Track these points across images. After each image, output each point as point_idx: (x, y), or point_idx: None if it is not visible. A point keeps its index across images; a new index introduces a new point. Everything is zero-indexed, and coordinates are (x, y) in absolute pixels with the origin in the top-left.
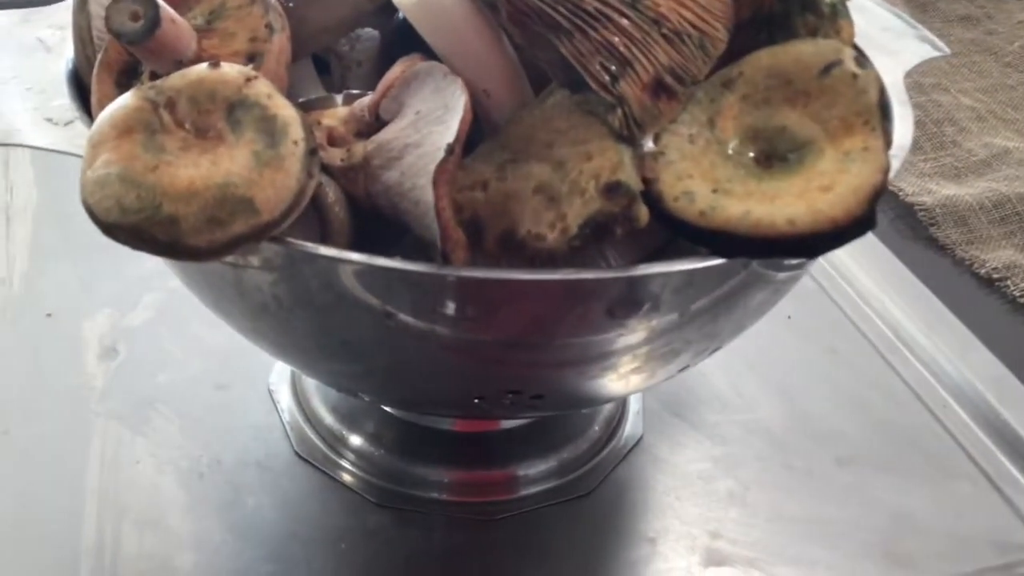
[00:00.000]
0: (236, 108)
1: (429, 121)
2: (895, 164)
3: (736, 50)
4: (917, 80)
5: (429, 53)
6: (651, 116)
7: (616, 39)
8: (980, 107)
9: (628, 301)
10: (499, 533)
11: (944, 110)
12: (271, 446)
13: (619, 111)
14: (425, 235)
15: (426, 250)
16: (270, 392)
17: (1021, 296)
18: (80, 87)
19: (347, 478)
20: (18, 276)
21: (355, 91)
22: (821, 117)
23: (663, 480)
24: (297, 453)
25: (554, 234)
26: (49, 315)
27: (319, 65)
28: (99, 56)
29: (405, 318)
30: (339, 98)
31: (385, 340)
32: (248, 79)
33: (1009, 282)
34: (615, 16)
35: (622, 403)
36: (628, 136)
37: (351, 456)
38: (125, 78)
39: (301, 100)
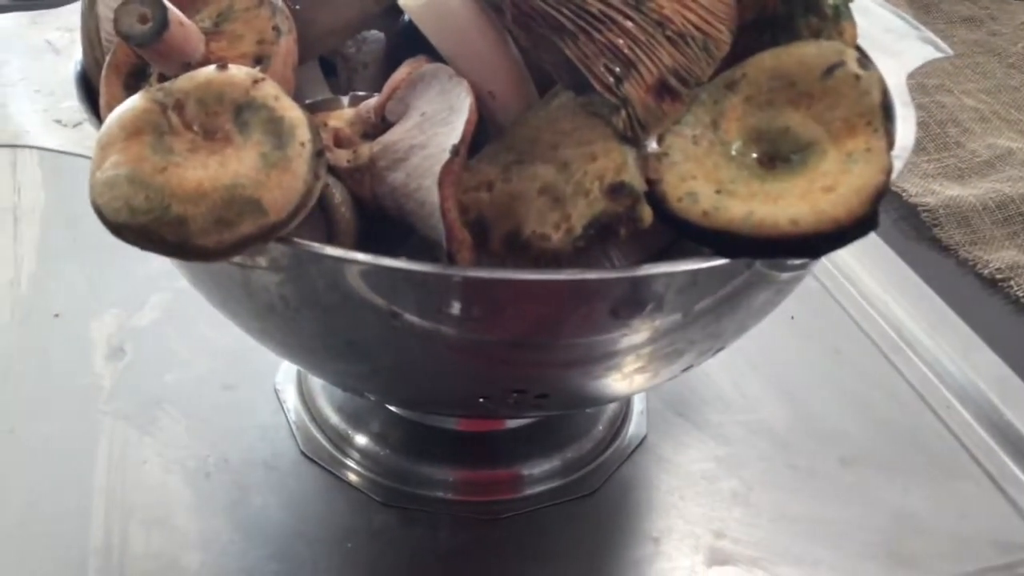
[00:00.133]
0: (244, 110)
1: (435, 122)
2: (898, 165)
3: (739, 52)
4: (920, 81)
5: (435, 55)
6: (655, 117)
7: (620, 41)
8: (983, 108)
9: (632, 301)
10: (503, 532)
11: (947, 111)
12: (277, 446)
13: (623, 112)
14: (430, 235)
15: (431, 250)
16: (276, 392)
17: None
18: (89, 89)
19: (353, 477)
20: (26, 277)
21: (361, 93)
22: (824, 118)
23: (667, 480)
24: (303, 453)
25: (559, 234)
26: (57, 315)
27: (326, 67)
28: (108, 58)
29: (411, 318)
30: (345, 100)
31: (391, 340)
32: (255, 81)
33: (1012, 283)
34: (619, 18)
35: (626, 403)
36: (632, 137)
37: (356, 455)
38: (133, 80)
39: (308, 102)
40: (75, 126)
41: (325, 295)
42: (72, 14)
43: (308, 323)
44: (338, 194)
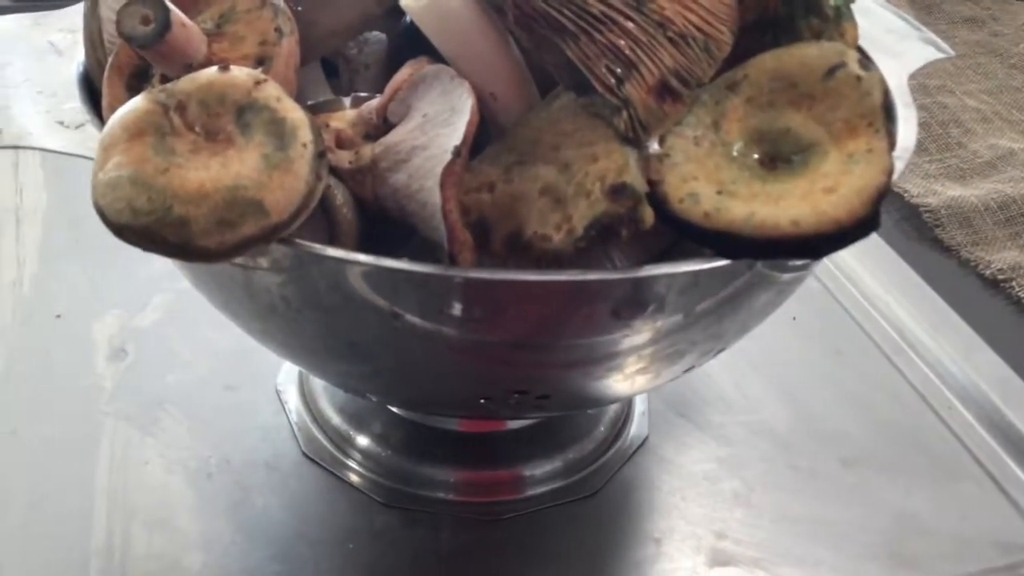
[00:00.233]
0: (246, 111)
1: (436, 124)
2: (899, 166)
3: (741, 53)
4: (922, 82)
5: (436, 56)
6: (656, 118)
7: (621, 42)
8: (985, 109)
9: (633, 302)
10: (505, 533)
11: (949, 112)
12: (279, 447)
13: (624, 113)
14: (432, 236)
15: (433, 251)
16: (278, 393)
17: None
18: (91, 90)
19: (354, 478)
20: (28, 278)
21: (363, 94)
22: (825, 119)
23: (668, 480)
24: (305, 454)
25: (560, 235)
26: (59, 316)
27: (328, 68)
28: (110, 59)
29: (412, 319)
30: (347, 101)
31: (392, 341)
32: (257, 82)
33: (1014, 283)
34: (620, 19)
35: (628, 404)
36: (633, 138)
37: (358, 456)
38: (136, 81)
39: (310, 103)
40: (77, 127)
41: (327, 296)
42: (75, 15)
43: (310, 324)
44: (340, 195)
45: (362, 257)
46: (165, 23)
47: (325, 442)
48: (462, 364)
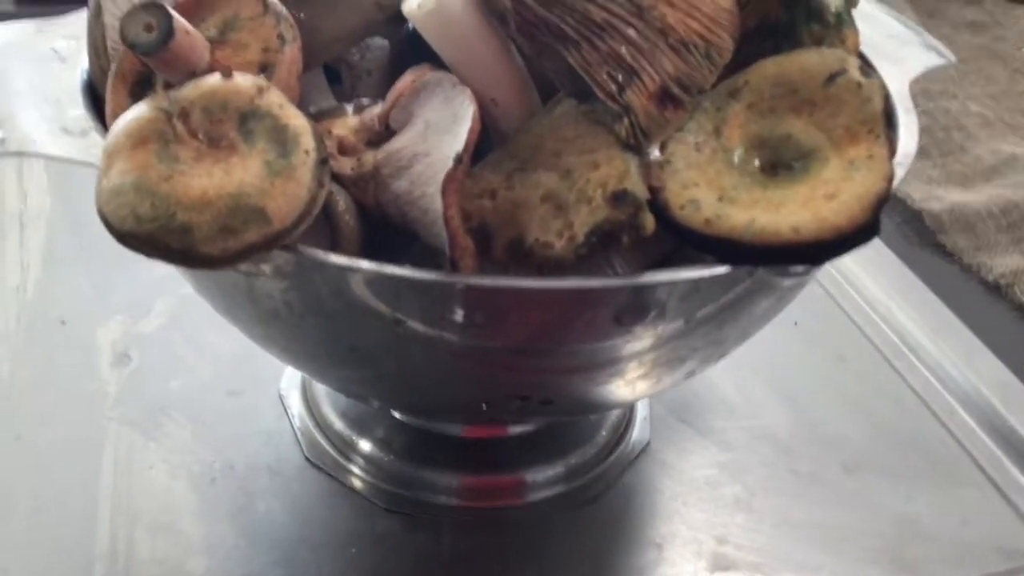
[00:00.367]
0: (248, 118)
1: (438, 130)
2: (900, 172)
3: (742, 59)
4: (925, 86)
5: (438, 63)
6: (657, 125)
7: (623, 49)
8: (988, 113)
9: (635, 308)
10: (507, 538)
11: (952, 116)
12: (282, 451)
13: (626, 120)
14: (434, 243)
15: (435, 258)
16: (281, 398)
17: None
18: (95, 97)
19: (357, 483)
20: (32, 283)
21: (365, 100)
22: (826, 126)
23: (670, 486)
24: (307, 458)
25: (561, 242)
26: (63, 322)
27: (330, 75)
28: (113, 66)
29: (414, 325)
30: (350, 108)
31: (394, 347)
32: (260, 89)
33: (1016, 288)
34: (622, 27)
35: (629, 409)
36: (635, 145)
37: (360, 461)
38: (139, 88)
39: (312, 110)
40: (81, 134)
41: (329, 302)
42: (78, 23)
43: (312, 330)
44: (342, 202)
45: (364, 264)
46: (168, 30)
47: (328, 447)
48: (464, 370)
